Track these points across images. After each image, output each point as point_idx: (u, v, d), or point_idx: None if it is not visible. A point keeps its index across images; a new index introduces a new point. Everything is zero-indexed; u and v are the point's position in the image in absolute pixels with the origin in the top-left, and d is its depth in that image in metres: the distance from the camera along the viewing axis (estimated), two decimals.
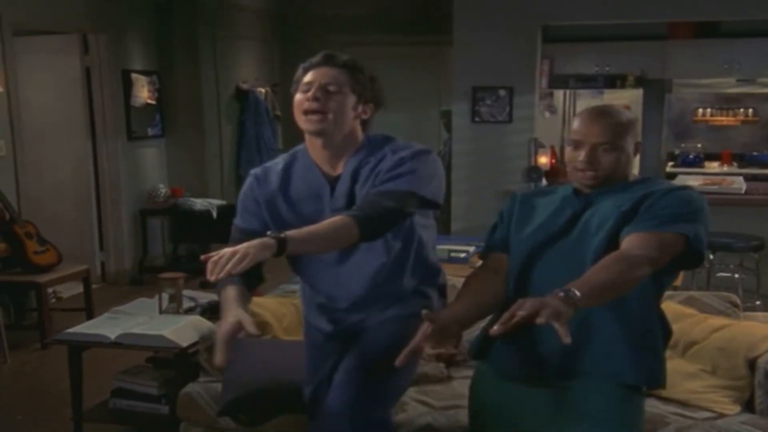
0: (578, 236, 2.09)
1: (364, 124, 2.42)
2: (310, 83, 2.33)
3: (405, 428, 2.83)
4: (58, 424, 3.96)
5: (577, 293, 1.77)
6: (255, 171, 2.52)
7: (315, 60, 2.38)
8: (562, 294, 1.77)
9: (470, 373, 3.48)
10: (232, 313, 2.12)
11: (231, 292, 2.22)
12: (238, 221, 2.48)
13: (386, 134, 2.46)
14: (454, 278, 3.70)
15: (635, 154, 2.18)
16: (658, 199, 2.07)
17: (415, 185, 2.28)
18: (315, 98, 2.30)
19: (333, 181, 2.39)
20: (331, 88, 2.32)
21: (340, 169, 2.39)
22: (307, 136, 2.40)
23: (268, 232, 2.01)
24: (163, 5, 7.32)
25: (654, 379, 2.11)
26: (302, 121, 2.34)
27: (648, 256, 1.93)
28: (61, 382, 3.94)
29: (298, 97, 2.35)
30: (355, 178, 2.37)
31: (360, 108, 2.38)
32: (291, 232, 2.03)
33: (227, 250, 1.90)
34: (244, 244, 1.92)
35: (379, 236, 2.28)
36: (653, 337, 2.11)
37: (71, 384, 3.63)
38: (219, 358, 2.07)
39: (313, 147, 2.41)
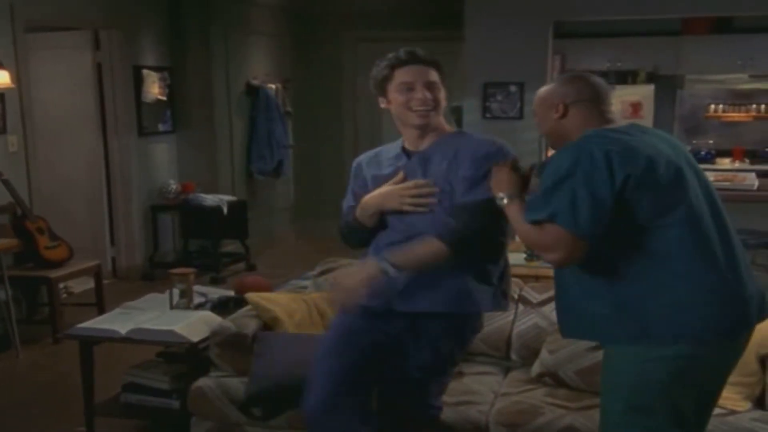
0: None
1: None
2: (411, 82, 2.53)
3: None
4: (70, 418, 3.97)
5: None
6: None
7: (402, 57, 2.56)
8: None
9: (481, 369, 3.48)
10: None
11: None
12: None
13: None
14: None
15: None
16: None
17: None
18: (433, 97, 2.56)
19: (413, 154, 2.64)
20: (436, 84, 2.58)
21: (422, 146, 2.63)
22: (406, 128, 2.63)
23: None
24: (174, 1, 7.33)
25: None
26: (413, 117, 2.56)
27: None
28: (72, 376, 3.96)
29: (399, 97, 2.55)
30: (432, 155, 2.61)
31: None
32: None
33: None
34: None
35: None
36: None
37: (83, 378, 3.66)
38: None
39: (409, 137, 2.65)
